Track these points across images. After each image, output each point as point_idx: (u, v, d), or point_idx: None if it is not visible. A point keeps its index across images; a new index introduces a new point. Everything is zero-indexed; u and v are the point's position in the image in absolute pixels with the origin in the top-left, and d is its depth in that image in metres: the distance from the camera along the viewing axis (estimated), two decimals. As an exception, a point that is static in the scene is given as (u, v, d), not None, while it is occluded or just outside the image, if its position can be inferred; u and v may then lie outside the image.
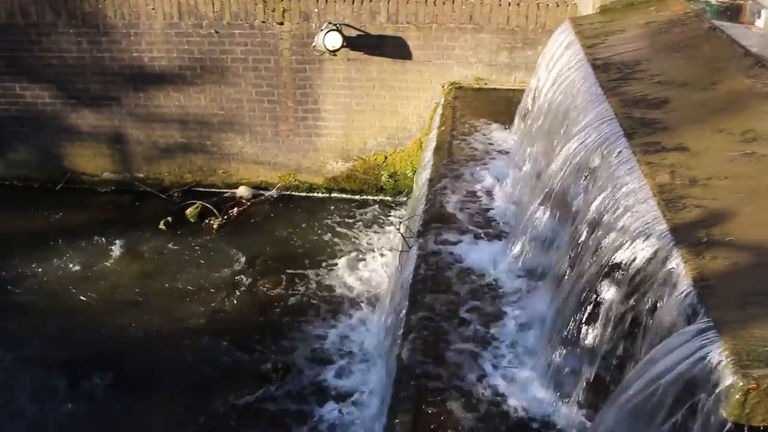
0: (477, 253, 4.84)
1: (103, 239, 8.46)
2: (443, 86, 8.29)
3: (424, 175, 6.42)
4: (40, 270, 7.97)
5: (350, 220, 8.54)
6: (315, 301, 7.11)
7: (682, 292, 2.61)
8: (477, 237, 5.05)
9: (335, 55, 8.19)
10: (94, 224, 8.90)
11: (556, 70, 5.51)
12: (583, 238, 3.53)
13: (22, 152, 9.86)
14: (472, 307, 4.38)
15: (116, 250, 8.25)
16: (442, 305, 4.39)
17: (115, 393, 6.24)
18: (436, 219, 5.32)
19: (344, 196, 9.09)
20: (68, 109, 9.41)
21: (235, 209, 8.89)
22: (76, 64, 9.07)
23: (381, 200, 8.93)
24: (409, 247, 5.29)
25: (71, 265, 8.01)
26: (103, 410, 6.07)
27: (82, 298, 7.49)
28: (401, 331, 4.34)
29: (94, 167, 9.74)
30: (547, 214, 4.29)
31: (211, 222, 8.66)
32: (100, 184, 9.80)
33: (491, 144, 6.61)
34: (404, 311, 4.48)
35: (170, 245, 8.29)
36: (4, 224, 9.06)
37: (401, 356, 4.08)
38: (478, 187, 5.77)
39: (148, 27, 8.64)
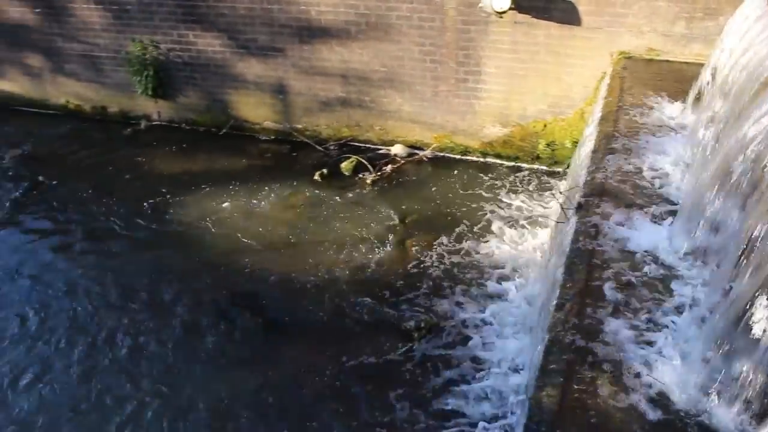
0: (640, 231, 4.63)
1: (261, 185, 8.78)
2: (612, 55, 7.93)
3: (587, 146, 6.20)
4: (199, 209, 8.40)
5: (504, 187, 8.39)
6: (462, 265, 7.06)
7: None
8: (641, 214, 4.82)
9: (502, 17, 8.00)
10: (253, 170, 9.26)
11: (744, 44, 5.13)
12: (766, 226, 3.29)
13: (191, 97, 10.34)
14: (630, 287, 4.19)
15: (272, 196, 8.54)
16: (599, 281, 4.24)
17: (260, 334, 6.48)
18: (598, 192, 5.12)
19: (499, 161, 8.95)
20: (236, 58, 9.75)
21: (389, 166, 8.96)
22: (246, 14, 9.34)
23: (536, 169, 8.71)
24: (568, 219, 5.13)
25: (229, 208, 8.37)
26: (247, 350, 6.32)
27: (236, 239, 7.82)
28: (554, 302, 4.23)
29: (256, 115, 10.08)
30: (724, 197, 4.02)
31: (365, 177, 8.77)
32: (260, 132, 10.15)
33: (662, 119, 6.27)
34: (559, 284, 4.37)
35: (324, 196, 8.48)
36: (171, 164, 9.61)
37: (553, 328, 3.98)
38: (645, 162, 5.49)
39: (317, -20, 8.79)
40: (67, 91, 11.28)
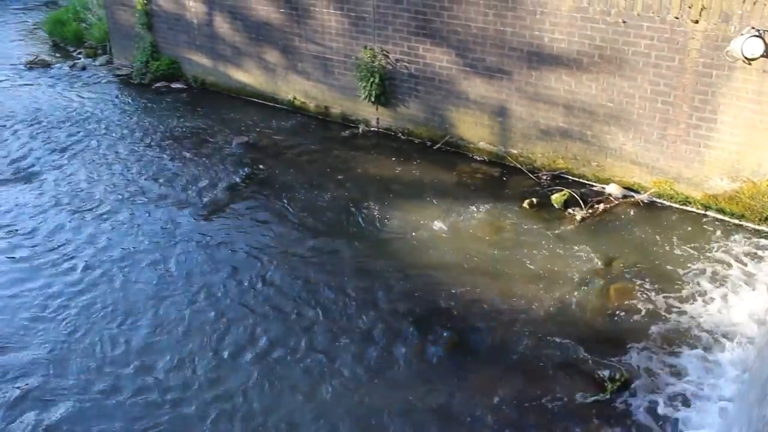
0: None
1: (468, 205, 8.78)
2: None
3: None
4: (404, 218, 8.57)
5: (723, 245, 7.73)
6: (668, 321, 6.63)
7: None
8: None
9: (750, 64, 7.47)
10: (462, 188, 9.30)
11: None
12: None
13: (411, 108, 10.54)
14: None
15: (478, 217, 8.51)
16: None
17: (448, 354, 6.46)
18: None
19: (721, 217, 8.26)
20: (461, 76, 9.81)
21: (602, 205, 8.61)
22: (478, 33, 9.39)
23: (764, 231, 7.97)
24: (803, 296, 4.67)
25: (434, 222, 8.45)
26: (432, 367, 6.32)
27: (437, 254, 7.89)
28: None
29: (472, 135, 10.08)
30: None
31: (575, 213, 8.49)
32: (474, 152, 10.15)
33: None
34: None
35: (530, 226, 8.31)
36: (383, 170, 9.89)
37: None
38: None
39: (555, 8, 8.62)
40: (296, 89, 11.89)
